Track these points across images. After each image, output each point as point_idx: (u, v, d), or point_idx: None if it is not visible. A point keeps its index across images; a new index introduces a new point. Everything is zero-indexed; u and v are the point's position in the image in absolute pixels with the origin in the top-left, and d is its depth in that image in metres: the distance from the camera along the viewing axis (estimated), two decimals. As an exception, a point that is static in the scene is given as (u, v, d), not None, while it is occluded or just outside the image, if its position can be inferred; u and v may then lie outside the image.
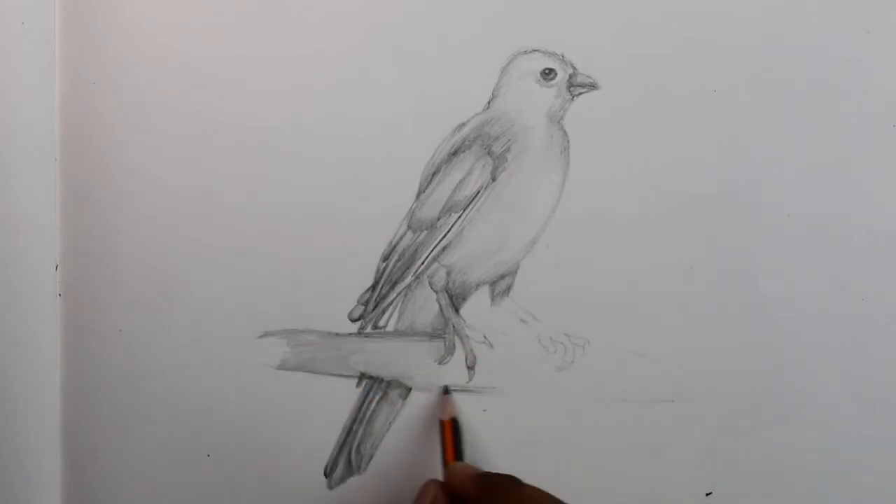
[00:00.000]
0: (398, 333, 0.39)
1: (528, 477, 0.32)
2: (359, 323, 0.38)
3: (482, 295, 0.38)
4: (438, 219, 0.38)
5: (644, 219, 0.38)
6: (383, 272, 0.38)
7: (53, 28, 0.38)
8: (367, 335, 0.38)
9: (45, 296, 0.39)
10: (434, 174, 0.38)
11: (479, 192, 0.38)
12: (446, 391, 0.38)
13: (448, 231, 0.38)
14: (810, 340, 0.38)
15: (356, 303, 0.38)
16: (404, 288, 0.38)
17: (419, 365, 0.38)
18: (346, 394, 0.39)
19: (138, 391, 0.39)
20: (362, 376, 0.39)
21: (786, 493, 0.38)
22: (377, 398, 0.38)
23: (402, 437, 0.38)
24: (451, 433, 0.36)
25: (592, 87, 0.37)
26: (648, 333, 0.38)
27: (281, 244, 0.38)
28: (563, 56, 0.37)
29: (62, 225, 0.39)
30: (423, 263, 0.38)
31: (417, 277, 0.38)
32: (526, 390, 0.38)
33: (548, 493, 0.33)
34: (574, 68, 0.37)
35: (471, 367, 0.38)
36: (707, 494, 0.38)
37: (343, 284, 0.38)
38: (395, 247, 0.38)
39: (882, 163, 0.37)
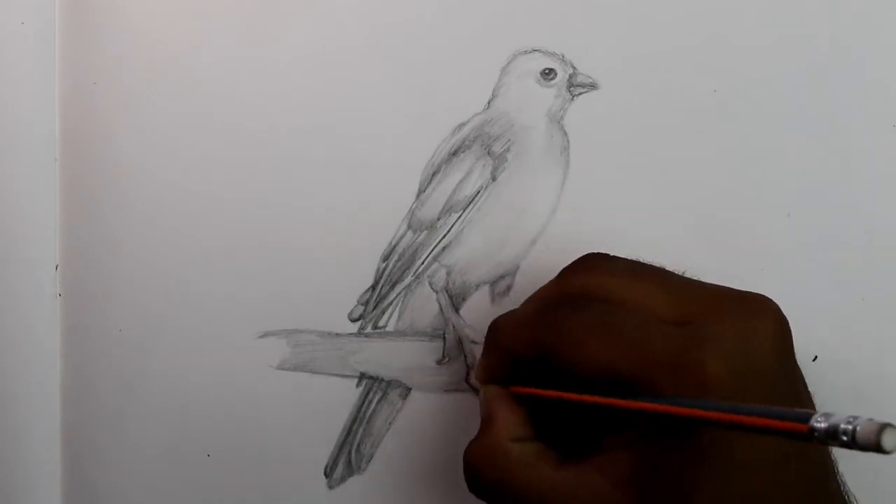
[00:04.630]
0: (398, 333, 0.39)
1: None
2: (359, 323, 0.38)
3: (482, 295, 0.38)
4: (438, 219, 0.38)
5: (643, 219, 0.38)
6: (383, 272, 0.38)
7: (53, 28, 0.38)
8: (367, 335, 0.38)
9: (45, 296, 0.39)
10: (434, 174, 0.38)
11: (479, 192, 0.38)
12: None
13: (448, 231, 0.38)
14: (810, 340, 0.38)
15: (356, 303, 0.38)
16: (404, 288, 0.38)
17: (419, 365, 0.38)
18: (346, 394, 0.39)
19: (138, 391, 0.39)
20: (362, 376, 0.39)
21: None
22: (377, 398, 0.38)
23: (402, 437, 0.38)
24: None
25: (592, 87, 0.37)
26: (648, 333, 0.38)
27: (281, 244, 0.38)
28: (563, 56, 0.37)
29: (62, 225, 0.39)
30: (423, 263, 0.38)
31: (417, 277, 0.38)
32: (526, 390, 0.38)
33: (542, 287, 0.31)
34: (574, 68, 0.37)
35: (471, 367, 0.38)
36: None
37: (343, 284, 0.38)
38: (395, 247, 0.38)
39: (882, 163, 0.37)
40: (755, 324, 0.27)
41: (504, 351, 0.31)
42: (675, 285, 0.29)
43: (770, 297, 0.28)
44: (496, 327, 0.32)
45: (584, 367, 0.27)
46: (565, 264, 0.31)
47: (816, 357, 0.37)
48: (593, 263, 0.31)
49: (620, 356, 0.27)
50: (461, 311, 0.39)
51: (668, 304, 0.28)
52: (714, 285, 0.29)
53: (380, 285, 0.38)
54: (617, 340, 0.27)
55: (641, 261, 0.30)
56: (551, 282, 0.32)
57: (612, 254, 0.31)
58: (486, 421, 0.31)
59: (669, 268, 0.31)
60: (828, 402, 0.38)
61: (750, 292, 0.28)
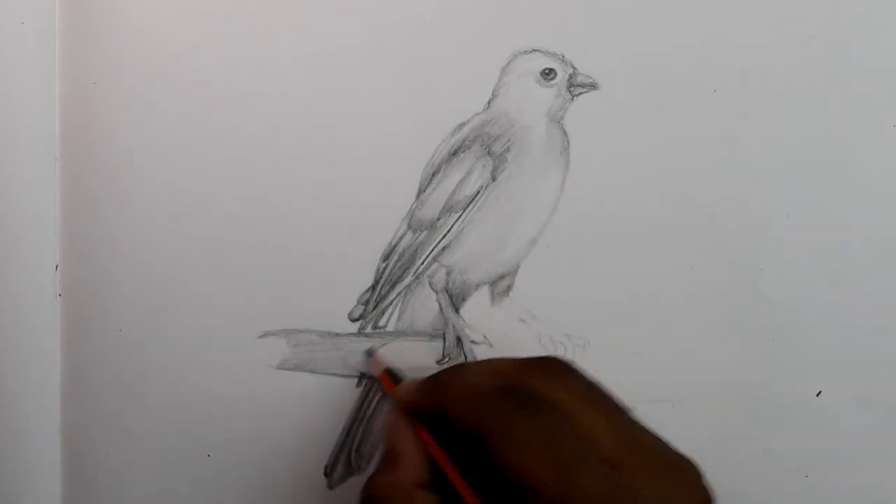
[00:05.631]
0: (398, 333, 0.39)
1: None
2: (359, 323, 0.38)
3: (482, 295, 0.38)
4: (438, 219, 0.38)
5: (644, 219, 0.38)
6: (383, 272, 0.38)
7: (53, 28, 0.38)
8: (367, 335, 0.38)
9: (45, 296, 0.39)
10: (434, 174, 0.38)
11: (479, 192, 0.38)
12: (370, 353, 0.37)
13: (448, 231, 0.38)
14: (810, 340, 0.38)
15: (356, 303, 0.38)
16: (404, 288, 0.38)
17: (419, 365, 0.38)
18: (346, 394, 0.39)
19: (138, 391, 0.39)
20: (362, 376, 0.39)
21: (786, 493, 0.38)
22: (377, 398, 0.38)
23: (402, 437, 0.38)
24: (391, 382, 0.35)
25: (592, 87, 0.37)
26: (648, 333, 0.38)
27: (281, 244, 0.38)
28: (563, 56, 0.37)
29: (62, 225, 0.39)
30: (423, 263, 0.38)
31: (417, 277, 0.38)
32: (526, 390, 0.38)
33: (497, 358, 0.31)
34: (574, 68, 0.37)
35: (471, 367, 0.38)
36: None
37: (343, 284, 0.38)
38: (395, 247, 0.38)
39: (882, 163, 0.37)
40: (679, 492, 0.27)
41: (443, 404, 0.30)
42: (621, 426, 0.29)
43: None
44: (446, 382, 0.31)
45: (511, 466, 0.27)
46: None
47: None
48: (555, 371, 0.30)
49: (550, 476, 0.27)
50: (461, 311, 0.39)
51: (610, 442, 0.28)
52: (655, 438, 0.29)
53: (380, 285, 0.38)
54: (554, 459, 0.27)
55: (598, 385, 0.30)
56: (510, 363, 0.31)
57: (574, 365, 0.30)
58: (395, 455, 0.31)
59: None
60: (827, 403, 0.38)
61: (684, 459, 0.28)
